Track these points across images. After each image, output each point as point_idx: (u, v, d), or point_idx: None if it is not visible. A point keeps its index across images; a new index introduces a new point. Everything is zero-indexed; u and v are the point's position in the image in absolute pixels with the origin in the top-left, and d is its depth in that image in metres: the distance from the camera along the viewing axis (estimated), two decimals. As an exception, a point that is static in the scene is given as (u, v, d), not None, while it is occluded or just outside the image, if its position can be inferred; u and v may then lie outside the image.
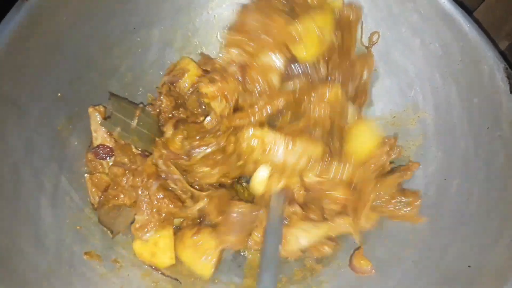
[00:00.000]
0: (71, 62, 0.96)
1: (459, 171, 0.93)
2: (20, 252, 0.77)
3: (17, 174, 0.83)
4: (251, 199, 1.00)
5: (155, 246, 0.88)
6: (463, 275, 0.81)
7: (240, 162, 0.90)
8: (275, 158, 0.86)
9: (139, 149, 0.96)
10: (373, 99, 1.11)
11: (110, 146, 0.96)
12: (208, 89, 0.89)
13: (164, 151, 0.90)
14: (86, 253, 0.85)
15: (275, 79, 0.89)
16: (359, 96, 1.01)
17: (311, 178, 0.89)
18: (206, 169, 0.92)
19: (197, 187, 0.94)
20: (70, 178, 0.93)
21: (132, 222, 0.90)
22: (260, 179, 0.90)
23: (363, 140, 0.94)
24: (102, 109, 1.00)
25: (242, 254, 1.01)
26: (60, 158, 0.93)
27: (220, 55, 0.94)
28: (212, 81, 0.90)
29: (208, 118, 0.95)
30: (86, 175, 0.97)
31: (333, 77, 0.94)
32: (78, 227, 0.88)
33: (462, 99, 0.95)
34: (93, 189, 0.95)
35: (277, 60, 0.89)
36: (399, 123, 1.07)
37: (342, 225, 0.90)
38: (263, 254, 0.81)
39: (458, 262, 0.83)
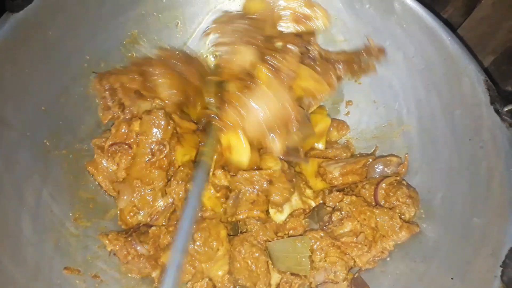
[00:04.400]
0: (57, 76, 0.96)
1: (443, 182, 0.93)
2: (-3, 266, 0.76)
3: (-2, 186, 0.82)
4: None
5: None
6: (446, 286, 0.80)
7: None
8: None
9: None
10: (358, 112, 1.11)
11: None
12: None
13: None
14: (66, 268, 0.84)
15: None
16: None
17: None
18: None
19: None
20: (52, 191, 0.92)
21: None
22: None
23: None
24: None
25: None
26: (43, 171, 0.92)
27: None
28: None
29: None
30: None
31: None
32: (58, 242, 0.86)
33: (445, 111, 0.96)
34: (100, 177, 0.96)
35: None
36: (384, 136, 1.07)
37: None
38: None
39: (441, 274, 0.82)
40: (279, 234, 0.97)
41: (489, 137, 0.86)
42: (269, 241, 0.94)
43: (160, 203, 0.91)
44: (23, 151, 0.91)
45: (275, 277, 0.96)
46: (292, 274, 0.94)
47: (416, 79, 1.01)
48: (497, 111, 0.86)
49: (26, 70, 0.90)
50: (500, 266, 0.74)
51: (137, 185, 0.91)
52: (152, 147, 0.92)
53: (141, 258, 0.87)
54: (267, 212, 0.98)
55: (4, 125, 0.87)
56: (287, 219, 0.98)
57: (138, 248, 0.88)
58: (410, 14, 0.97)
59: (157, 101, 1.03)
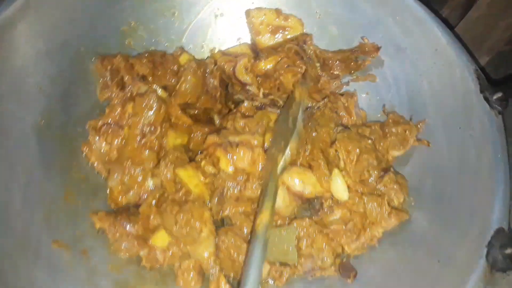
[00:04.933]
0: (54, 57, 0.98)
1: (433, 171, 0.94)
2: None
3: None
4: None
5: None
6: (432, 269, 0.80)
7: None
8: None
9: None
10: (351, 103, 1.12)
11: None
12: None
13: None
14: (54, 241, 0.84)
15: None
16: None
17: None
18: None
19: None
20: (44, 169, 0.93)
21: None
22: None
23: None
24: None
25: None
26: (35, 149, 0.93)
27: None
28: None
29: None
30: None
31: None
32: (47, 216, 0.87)
33: (436, 102, 0.97)
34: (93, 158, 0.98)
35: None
36: (376, 126, 1.08)
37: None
38: None
39: (428, 258, 0.82)
40: None
41: (479, 125, 0.87)
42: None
43: (150, 183, 0.92)
44: (17, 128, 0.92)
45: (265, 268, 0.95)
46: (281, 264, 0.93)
47: (408, 70, 1.02)
48: (486, 99, 0.87)
49: (24, 48, 0.91)
50: (486, 247, 0.73)
51: (128, 164, 0.91)
52: (143, 128, 0.93)
53: (129, 237, 0.88)
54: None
55: (1, 100, 0.89)
56: None
57: (127, 227, 0.88)
58: (403, 6, 0.99)
59: (153, 86, 1.05)
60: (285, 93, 1.09)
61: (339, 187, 0.92)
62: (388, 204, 0.91)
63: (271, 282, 0.94)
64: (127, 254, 0.89)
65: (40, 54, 0.95)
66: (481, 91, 0.88)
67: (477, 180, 0.83)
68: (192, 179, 0.92)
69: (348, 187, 0.92)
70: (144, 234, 0.90)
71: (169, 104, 1.02)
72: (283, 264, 0.92)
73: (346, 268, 0.92)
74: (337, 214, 0.94)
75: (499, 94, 0.86)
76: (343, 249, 0.93)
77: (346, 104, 1.03)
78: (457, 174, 0.88)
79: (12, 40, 0.90)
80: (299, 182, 0.91)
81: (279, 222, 0.94)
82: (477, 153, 0.86)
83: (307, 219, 0.92)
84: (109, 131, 0.95)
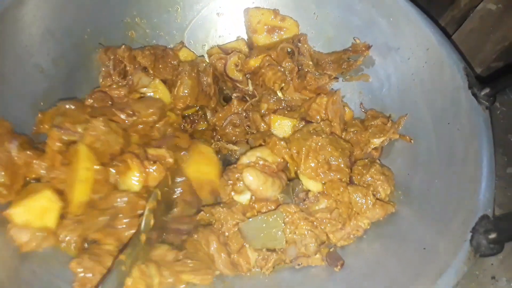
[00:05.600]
0: (58, 40, 1.01)
1: (421, 165, 0.95)
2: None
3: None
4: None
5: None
6: (418, 257, 0.81)
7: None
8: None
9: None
10: (344, 100, 1.15)
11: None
12: None
13: None
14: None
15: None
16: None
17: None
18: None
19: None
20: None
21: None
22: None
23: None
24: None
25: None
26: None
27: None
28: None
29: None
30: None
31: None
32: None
33: (426, 98, 0.99)
34: None
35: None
36: (368, 122, 1.10)
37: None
38: None
39: (415, 245, 0.83)
40: (248, 214, 0.95)
41: (466, 120, 0.89)
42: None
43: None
44: (17, 107, 0.94)
45: (252, 256, 0.96)
46: (268, 249, 0.94)
47: (401, 70, 1.05)
48: (474, 95, 0.89)
49: (29, 28, 0.95)
50: (470, 232, 0.74)
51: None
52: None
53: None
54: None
55: (2, 79, 0.91)
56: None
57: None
58: (397, 7, 1.03)
59: (157, 81, 1.09)
60: (266, 89, 1.14)
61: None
62: (374, 195, 0.93)
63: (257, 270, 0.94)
64: None
65: (44, 36, 0.99)
66: (469, 87, 0.90)
67: (464, 172, 0.85)
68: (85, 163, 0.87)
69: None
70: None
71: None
72: (270, 250, 0.93)
73: (333, 257, 0.92)
74: (322, 203, 0.95)
75: (487, 90, 0.88)
76: (328, 238, 0.94)
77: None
78: (445, 167, 0.89)
79: (19, 19, 0.93)
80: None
81: (263, 209, 0.95)
82: (464, 146, 0.87)
83: (292, 205, 0.93)
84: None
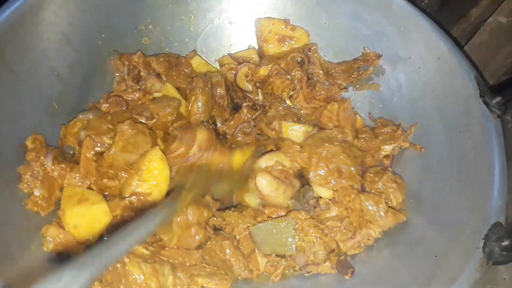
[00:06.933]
0: (73, 45, 1.03)
1: (433, 173, 0.95)
2: None
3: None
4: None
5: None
6: (429, 265, 0.80)
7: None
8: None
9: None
10: (355, 109, 1.15)
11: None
12: None
13: None
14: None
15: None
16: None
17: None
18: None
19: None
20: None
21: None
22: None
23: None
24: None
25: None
26: (48, 129, 0.98)
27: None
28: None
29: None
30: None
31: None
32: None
33: (438, 107, 0.99)
34: None
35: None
36: (379, 131, 1.10)
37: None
38: None
39: (426, 253, 0.82)
40: (259, 219, 0.96)
41: (478, 128, 0.89)
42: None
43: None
44: (32, 108, 0.96)
45: (262, 261, 0.95)
46: (277, 255, 0.93)
47: (412, 79, 1.06)
48: (486, 103, 0.89)
49: (47, 33, 0.97)
50: (483, 239, 0.74)
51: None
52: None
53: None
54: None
55: (18, 80, 0.93)
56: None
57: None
58: (407, 16, 1.04)
59: (168, 85, 1.11)
60: (275, 98, 1.14)
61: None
62: (386, 203, 0.92)
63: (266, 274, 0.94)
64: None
65: (61, 41, 1.00)
66: (481, 96, 0.90)
67: (476, 179, 0.84)
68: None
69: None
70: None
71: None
72: (280, 256, 0.92)
73: (343, 265, 0.91)
74: (333, 211, 0.95)
75: (498, 99, 0.89)
76: (338, 246, 0.93)
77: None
78: (456, 175, 0.89)
79: (37, 24, 0.95)
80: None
81: (274, 215, 0.95)
82: (476, 154, 0.87)
83: (303, 212, 0.92)
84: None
